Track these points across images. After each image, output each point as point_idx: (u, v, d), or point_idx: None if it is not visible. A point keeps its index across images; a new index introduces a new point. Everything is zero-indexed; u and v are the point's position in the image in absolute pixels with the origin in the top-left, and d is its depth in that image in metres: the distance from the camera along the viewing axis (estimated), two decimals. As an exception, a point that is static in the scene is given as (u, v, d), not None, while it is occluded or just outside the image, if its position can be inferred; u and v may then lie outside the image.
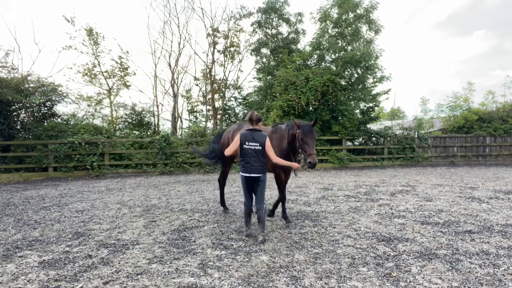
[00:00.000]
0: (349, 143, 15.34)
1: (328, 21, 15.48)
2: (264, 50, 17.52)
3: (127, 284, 2.98)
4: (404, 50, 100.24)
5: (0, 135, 11.54)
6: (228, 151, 4.28)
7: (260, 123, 4.41)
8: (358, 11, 15.08)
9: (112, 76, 15.91)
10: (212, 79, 17.32)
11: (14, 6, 25.93)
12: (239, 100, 18.67)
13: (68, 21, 14.72)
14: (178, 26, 17.01)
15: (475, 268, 3.29)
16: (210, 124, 17.49)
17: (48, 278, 3.13)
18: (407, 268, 3.28)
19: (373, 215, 5.48)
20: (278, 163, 4.32)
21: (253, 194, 4.25)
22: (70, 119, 13.82)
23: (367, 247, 3.91)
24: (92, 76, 15.53)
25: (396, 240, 4.16)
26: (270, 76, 16.68)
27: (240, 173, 4.23)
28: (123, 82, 16.13)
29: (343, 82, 15.16)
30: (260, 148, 4.14)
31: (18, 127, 12.65)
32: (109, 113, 15.96)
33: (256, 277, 3.10)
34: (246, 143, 4.17)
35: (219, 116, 17.60)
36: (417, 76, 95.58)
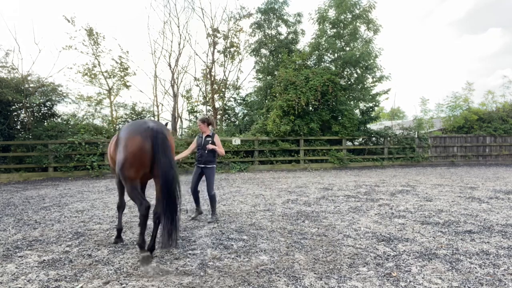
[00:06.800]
0: (349, 143, 15.35)
1: (326, 22, 15.48)
2: (264, 51, 17.53)
3: (127, 284, 2.98)
4: (415, 49, 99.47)
5: (0, 135, 11.53)
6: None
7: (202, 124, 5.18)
8: (356, 11, 15.08)
9: (112, 76, 15.88)
10: (212, 79, 17.32)
11: (14, 6, 25.95)
12: (238, 101, 18.67)
13: (68, 21, 14.70)
14: (178, 26, 17.00)
15: (475, 268, 3.29)
16: (210, 124, 17.46)
17: (48, 278, 3.13)
18: (407, 268, 3.28)
19: (373, 215, 5.48)
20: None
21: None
22: (70, 119, 13.80)
23: (367, 247, 3.91)
24: (92, 76, 15.50)
25: (396, 240, 4.16)
26: (270, 76, 16.69)
27: None
28: (123, 82, 16.11)
29: (342, 82, 15.16)
30: None
31: (18, 127, 12.64)
32: (109, 113, 15.94)
33: (256, 277, 3.10)
34: None
35: (219, 116, 17.60)
36: (426, 76, 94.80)
